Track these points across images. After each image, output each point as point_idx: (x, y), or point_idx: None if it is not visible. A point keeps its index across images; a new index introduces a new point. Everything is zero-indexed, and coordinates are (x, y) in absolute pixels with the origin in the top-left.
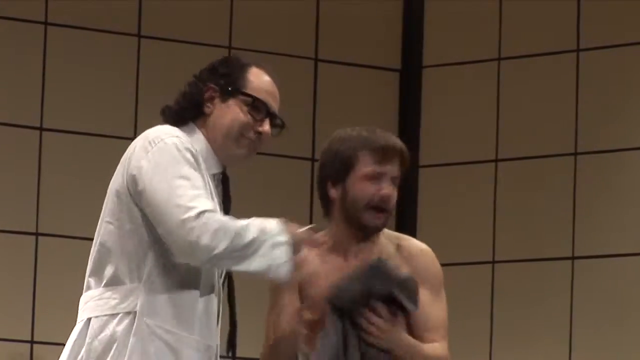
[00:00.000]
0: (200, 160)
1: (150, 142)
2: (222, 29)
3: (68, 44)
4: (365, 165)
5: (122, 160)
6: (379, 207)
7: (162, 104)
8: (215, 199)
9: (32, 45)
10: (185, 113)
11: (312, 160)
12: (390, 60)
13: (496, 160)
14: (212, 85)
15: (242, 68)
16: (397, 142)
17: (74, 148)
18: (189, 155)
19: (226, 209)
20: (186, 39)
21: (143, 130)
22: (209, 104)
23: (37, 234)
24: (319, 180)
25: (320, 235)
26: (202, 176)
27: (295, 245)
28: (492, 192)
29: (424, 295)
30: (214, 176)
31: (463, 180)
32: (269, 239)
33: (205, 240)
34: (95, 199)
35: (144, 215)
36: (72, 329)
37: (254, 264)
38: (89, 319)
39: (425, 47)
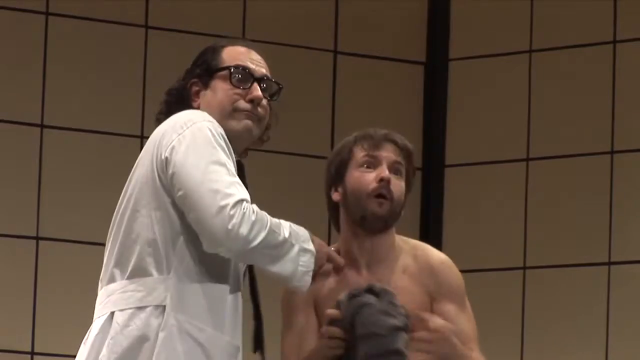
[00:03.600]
0: (231, 148)
1: (182, 125)
2: (235, 19)
3: (70, 35)
4: (358, 155)
5: (148, 145)
6: (380, 194)
7: None
8: None
9: (32, 36)
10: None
11: None
12: (414, 52)
13: (527, 160)
14: (194, 80)
15: (216, 50)
16: (393, 133)
17: (77, 146)
18: (222, 142)
19: None
20: (197, 30)
21: (150, 128)
22: (195, 98)
23: (37, 238)
24: (325, 193)
25: (335, 247)
26: (234, 165)
27: (319, 258)
28: (523, 193)
29: (450, 309)
30: None
31: (492, 180)
32: (297, 244)
33: (244, 230)
34: (100, 200)
35: (174, 202)
36: (74, 339)
37: (284, 266)
38: (112, 313)
39: (451, 38)
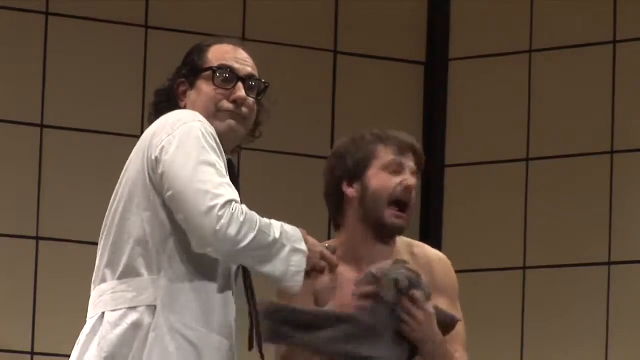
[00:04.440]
0: (221, 147)
1: (173, 125)
2: (235, 19)
3: (70, 35)
4: (385, 157)
5: (139, 145)
6: (401, 201)
7: None
8: None
9: (32, 36)
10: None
11: None
12: (414, 52)
13: (527, 160)
14: (180, 80)
15: (202, 50)
16: (414, 140)
17: (77, 146)
18: (212, 142)
19: None
20: (197, 30)
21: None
22: (182, 98)
23: (37, 238)
24: (331, 184)
25: (330, 243)
26: (224, 164)
27: (312, 257)
28: (523, 193)
29: (442, 305)
30: None
31: (492, 180)
32: (288, 244)
33: (232, 231)
34: (100, 200)
35: (164, 202)
36: (74, 340)
37: (274, 267)
38: (103, 313)
39: (451, 38)
